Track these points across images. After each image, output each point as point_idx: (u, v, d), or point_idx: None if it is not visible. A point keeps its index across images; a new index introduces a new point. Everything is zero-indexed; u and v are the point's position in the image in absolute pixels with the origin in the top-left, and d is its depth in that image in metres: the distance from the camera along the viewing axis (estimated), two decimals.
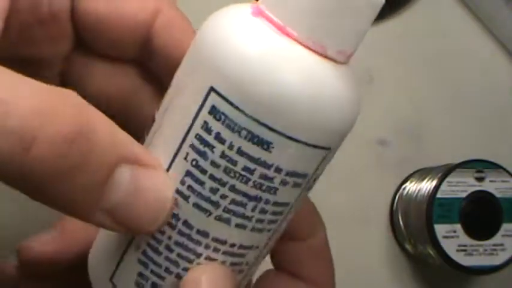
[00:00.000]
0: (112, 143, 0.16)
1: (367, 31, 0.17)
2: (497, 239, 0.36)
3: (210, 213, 0.17)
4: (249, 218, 0.18)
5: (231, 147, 0.17)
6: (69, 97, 0.16)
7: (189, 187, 0.17)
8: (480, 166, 0.36)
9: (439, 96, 0.41)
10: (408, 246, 0.39)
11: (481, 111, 0.42)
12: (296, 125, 0.16)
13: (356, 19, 0.17)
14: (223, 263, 0.18)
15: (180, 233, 0.18)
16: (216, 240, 0.18)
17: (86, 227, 0.23)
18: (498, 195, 0.36)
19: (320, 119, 0.17)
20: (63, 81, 0.23)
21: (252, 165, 0.17)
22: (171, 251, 0.18)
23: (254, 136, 0.16)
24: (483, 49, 0.42)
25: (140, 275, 0.19)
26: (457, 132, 0.41)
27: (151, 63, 0.23)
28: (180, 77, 0.18)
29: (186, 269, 0.18)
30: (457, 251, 0.35)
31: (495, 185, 0.36)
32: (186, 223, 0.18)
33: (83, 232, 0.23)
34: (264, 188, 0.17)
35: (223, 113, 0.16)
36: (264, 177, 0.17)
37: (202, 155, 0.17)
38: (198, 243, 0.18)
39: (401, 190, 0.40)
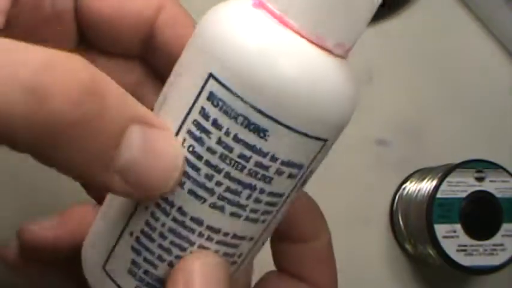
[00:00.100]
0: (123, 101, 0.16)
1: (366, 26, 0.18)
2: (497, 239, 0.36)
3: (205, 200, 0.17)
4: (243, 207, 0.18)
5: (227, 133, 0.17)
6: (75, 55, 0.15)
7: (185, 173, 0.17)
8: (480, 166, 0.36)
9: (439, 96, 0.41)
10: (408, 246, 0.39)
11: (481, 111, 0.42)
12: (292, 114, 0.16)
13: (356, 12, 0.17)
14: (216, 252, 0.18)
15: (174, 219, 0.18)
16: (210, 228, 0.18)
17: (87, 216, 0.23)
18: (498, 195, 0.36)
19: (317, 109, 0.17)
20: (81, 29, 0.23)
21: (247, 153, 0.17)
22: (165, 238, 0.18)
23: (250, 123, 0.16)
24: (483, 49, 0.42)
25: (133, 262, 0.19)
26: (457, 132, 0.41)
27: (155, 59, 0.23)
28: (179, 65, 0.18)
29: (178, 257, 0.18)
30: (457, 251, 0.35)
31: (495, 185, 0.36)
32: (180, 210, 0.18)
33: (84, 220, 0.23)
34: (259, 176, 0.17)
35: (220, 99, 0.16)
36: (259, 165, 0.17)
37: (199, 140, 0.17)
38: (192, 231, 0.18)
39: (401, 190, 0.40)
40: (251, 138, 0.17)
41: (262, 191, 0.18)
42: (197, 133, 0.17)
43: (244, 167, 0.17)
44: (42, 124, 0.14)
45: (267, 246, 0.23)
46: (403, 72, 0.41)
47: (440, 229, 0.35)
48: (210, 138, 0.17)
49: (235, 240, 0.18)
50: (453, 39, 0.42)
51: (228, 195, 0.17)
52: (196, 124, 0.17)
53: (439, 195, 0.36)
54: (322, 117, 0.17)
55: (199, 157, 0.17)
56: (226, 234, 0.18)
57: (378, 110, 0.40)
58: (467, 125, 0.41)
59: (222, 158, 0.17)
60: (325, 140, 0.18)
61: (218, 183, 0.17)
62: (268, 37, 0.16)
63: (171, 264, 0.18)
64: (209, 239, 0.18)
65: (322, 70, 0.17)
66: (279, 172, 0.17)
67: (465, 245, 0.35)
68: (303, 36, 0.17)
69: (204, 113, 0.17)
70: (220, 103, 0.16)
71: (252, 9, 0.17)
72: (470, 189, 0.36)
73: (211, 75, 0.16)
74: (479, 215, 0.36)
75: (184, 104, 0.17)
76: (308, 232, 0.22)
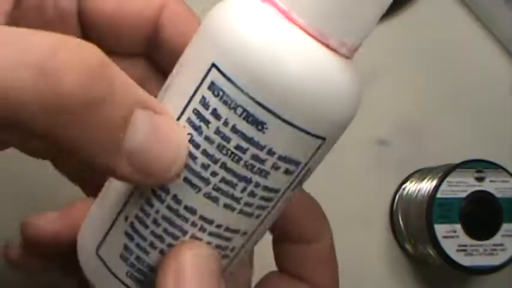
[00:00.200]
0: (129, 86, 0.16)
1: (374, 27, 0.18)
2: (497, 239, 0.36)
3: (200, 190, 0.18)
4: (237, 200, 0.18)
5: (226, 123, 0.17)
6: (84, 41, 0.15)
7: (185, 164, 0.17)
8: (480, 166, 0.36)
9: (438, 96, 0.41)
10: (408, 247, 0.39)
11: (481, 111, 0.42)
12: (292, 109, 0.17)
13: (362, 12, 0.17)
14: (208, 243, 0.18)
15: (168, 207, 0.18)
16: (203, 218, 0.18)
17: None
18: (498, 195, 0.36)
19: (317, 106, 0.17)
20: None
21: (244, 145, 0.17)
22: (158, 225, 0.18)
23: (249, 115, 0.17)
24: (483, 49, 0.42)
25: (126, 247, 0.19)
26: (457, 132, 0.41)
27: (159, 57, 0.23)
28: (183, 55, 0.19)
29: (171, 246, 0.18)
30: (457, 251, 0.35)
31: (495, 185, 0.36)
32: (175, 197, 0.18)
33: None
34: (255, 169, 0.17)
35: (221, 89, 0.17)
36: (255, 158, 0.17)
37: (198, 129, 0.17)
38: (185, 219, 0.18)
39: (401, 190, 0.40)
40: (249, 130, 0.17)
41: (257, 185, 0.18)
42: (196, 122, 0.17)
43: (240, 159, 0.17)
44: (53, 106, 0.14)
45: (268, 247, 0.23)
46: (403, 72, 0.41)
47: (440, 229, 0.35)
48: (208, 127, 0.17)
49: (228, 233, 0.18)
50: (453, 39, 0.42)
51: (222, 186, 0.17)
52: (196, 113, 0.17)
53: (439, 195, 0.36)
54: (323, 115, 0.17)
55: (196, 146, 0.17)
56: (219, 226, 0.18)
57: (378, 110, 0.40)
58: (467, 125, 0.41)
59: (219, 148, 0.17)
60: (323, 139, 0.18)
61: (214, 173, 0.17)
62: (274, 32, 0.17)
63: (162, 252, 0.18)
64: (202, 229, 0.18)
65: (326, 69, 0.17)
66: (275, 167, 0.17)
67: (465, 245, 0.35)
68: (308, 34, 0.17)
69: (204, 102, 0.17)
70: (220, 93, 0.17)
71: (260, 4, 0.17)
72: (470, 189, 0.36)
73: (213, 65, 0.17)
74: (479, 215, 0.36)
75: (186, 93, 0.17)
76: (310, 233, 0.22)
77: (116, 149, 0.16)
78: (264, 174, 0.17)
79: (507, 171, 0.37)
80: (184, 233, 0.18)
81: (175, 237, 0.18)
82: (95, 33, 0.22)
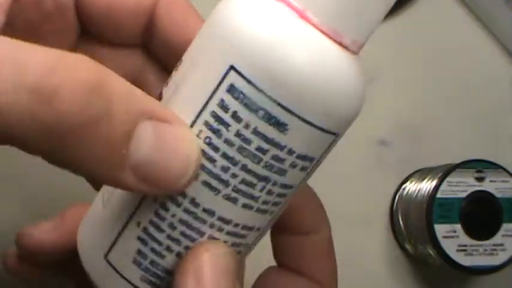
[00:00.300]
0: (132, 98, 0.16)
1: (379, 25, 0.18)
2: (497, 239, 0.36)
3: (219, 192, 0.17)
4: (255, 199, 0.18)
5: (247, 126, 0.17)
6: (82, 56, 0.15)
7: (202, 166, 0.17)
8: (480, 166, 0.36)
9: (439, 96, 0.41)
10: (408, 247, 0.39)
11: (481, 111, 0.42)
12: (311, 108, 0.17)
13: (372, 10, 0.17)
14: (225, 242, 0.18)
15: (186, 210, 0.18)
16: (221, 219, 0.18)
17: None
18: (498, 195, 0.36)
19: (333, 103, 0.17)
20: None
21: (265, 146, 0.17)
22: (174, 228, 0.18)
23: (271, 117, 0.17)
24: (483, 49, 0.42)
25: (139, 252, 0.18)
26: (457, 132, 0.41)
27: (154, 47, 0.23)
28: (194, 53, 0.18)
29: (188, 248, 0.18)
30: (457, 251, 0.35)
31: (495, 185, 0.36)
32: (193, 201, 0.18)
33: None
34: (274, 169, 0.17)
35: (241, 92, 0.16)
36: (275, 158, 0.17)
37: (216, 132, 0.17)
38: (203, 221, 0.18)
39: (401, 190, 0.40)
40: (270, 131, 0.17)
41: (275, 183, 0.18)
42: (215, 125, 0.17)
43: (261, 160, 0.17)
44: (51, 125, 0.14)
45: (263, 246, 0.23)
46: (403, 73, 0.41)
47: (440, 229, 0.35)
48: (228, 130, 0.17)
49: (245, 231, 0.19)
50: (453, 39, 0.42)
51: (242, 187, 0.17)
52: (214, 116, 0.17)
53: (439, 195, 0.36)
54: (338, 112, 0.17)
55: (215, 149, 0.17)
56: (236, 225, 0.18)
57: (378, 110, 0.40)
58: (467, 125, 0.41)
59: (240, 150, 0.17)
60: (336, 134, 0.18)
61: (233, 175, 0.17)
62: (291, 33, 0.17)
63: (179, 255, 0.18)
64: (220, 229, 0.18)
65: (341, 67, 0.17)
66: (293, 165, 0.18)
67: (465, 245, 0.35)
68: (322, 32, 0.17)
69: (223, 105, 0.17)
70: (241, 96, 0.17)
71: (274, 2, 0.17)
72: (470, 189, 0.36)
73: (232, 68, 0.16)
74: (479, 215, 0.36)
75: (201, 95, 0.17)
76: (309, 224, 0.22)
77: (119, 163, 0.16)
78: (283, 173, 0.18)
79: (507, 171, 0.37)
80: (202, 234, 0.18)
81: (193, 239, 0.18)
82: (92, 24, 0.22)
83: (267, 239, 0.22)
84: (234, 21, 0.17)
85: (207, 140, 0.17)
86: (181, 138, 0.17)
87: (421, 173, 0.39)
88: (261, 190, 0.18)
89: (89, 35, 0.23)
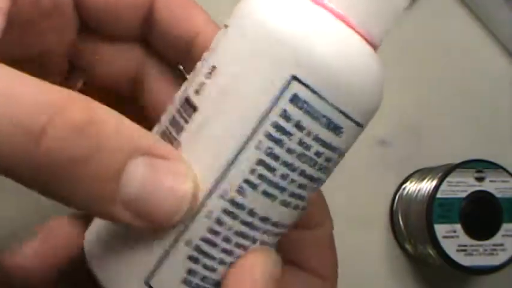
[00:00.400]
0: (122, 134, 0.16)
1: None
2: (497, 239, 0.36)
3: (276, 199, 0.17)
4: (304, 199, 0.18)
5: (308, 134, 0.17)
6: (73, 93, 0.16)
7: (260, 175, 0.17)
8: (480, 166, 0.36)
9: (438, 96, 0.41)
10: (408, 247, 0.39)
11: (481, 111, 0.42)
12: (359, 109, 0.17)
13: (395, 8, 0.18)
14: (270, 245, 0.19)
15: (243, 222, 0.17)
16: (274, 224, 0.18)
17: (65, 232, 0.22)
18: (498, 195, 0.36)
19: (373, 103, 0.18)
20: (71, 71, 0.23)
21: (322, 149, 0.17)
22: (229, 241, 0.18)
23: (331, 122, 0.17)
24: (483, 49, 0.42)
25: (189, 271, 0.18)
26: (457, 132, 0.41)
27: (154, 39, 0.23)
28: (233, 65, 0.17)
29: (239, 257, 0.18)
30: (457, 251, 0.35)
31: (495, 185, 0.36)
32: (250, 212, 0.17)
33: (63, 240, 0.22)
34: (324, 170, 0.18)
35: (305, 101, 0.17)
36: (328, 160, 0.18)
37: (279, 142, 0.17)
38: (258, 229, 0.18)
39: (401, 190, 0.40)
40: (329, 136, 0.17)
41: (321, 183, 0.18)
42: (277, 135, 0.17)
43: (316, 163, 0.17)
44: (41, 163, 0.15)
45: None
46: (403, 72, 0.41)
47: (440, 229, 0.35)
48: (290, 139, 0.17)
49: (285, 230, 0.19)
50: (453, 39, 0.42)
51: (298, 191, 0.18)
52: (276, 126, 0.17)
53: (439, 195, 0.36)
54: (373, 109, 0.18)
55: (276, 158, 0.17)
56: (283, 226, 0.18)
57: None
58: (467, 125, 0.41)
59: (299, 157, 0.17)
60: (363, 128, 0.19)
61: (291, 181, 0.17)
62: (345, 40, 0.17)
63: (230, 265, 0.18)
64: (270, 233, 0.18)
65: (375, 67, 0.18)
66: (336, 163, 0.18)
67: (465, 245, 0.35)
68: (361, 35, 0.17)
69: (285, 115, 0.17)
70: (304, 105, 0.17)
71: (316, 7, 0.17)
72: (470, 189, 0.36)
73: (294, 78, 0.16)
74: (479, 215, 0.36)
75: (258, 108, 0.17)
76: (311, 219, 0.22)
77: (110, 199, 0.16)
78: (329, 172, 0.18)
79: (507, 171, 0.37)
80: (255, 241, 0.18)
81: (246, 248, 0.18)
82: (91, 19, 0.22)
83: None
84: (287, 31, 0.17)
85: (269, 151, 0.17)
86: (175, 174, 0.17)
87: (421, 173, 0.39)
88: (312, 191, 0.18)
89: (89, 30, 0.22)
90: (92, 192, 0.16)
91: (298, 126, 0.17)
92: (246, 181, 0.17)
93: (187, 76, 0.20)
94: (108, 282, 0.18)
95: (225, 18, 0.19)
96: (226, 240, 0.18)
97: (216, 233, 0.17)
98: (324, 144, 0.17)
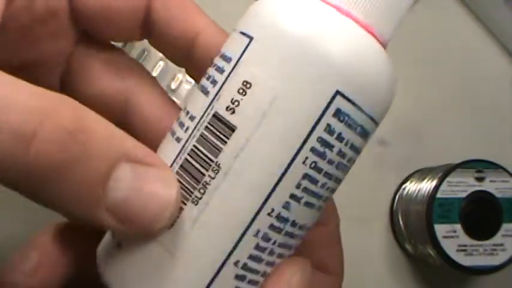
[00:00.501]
0: (110, 140, 0.16)
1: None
2: (497, 239, 0.36)
3: (314, 207, 0.18)
4: (327, 201, 0.18)
5: (346, 143, 0.17)
6: (65, 98, 0.16)
7: (305, 189, 0.17)
8: (480, 166, 0.36)
9: (439, 96, 0.41)
10: (408, 246, 0.39)
11: (481, 111, 0.42)
12: (383, 112, 0.18)
13: (403, 8, 0.18)
14: (297, 247, 0.19)
15: (286, 233, 0.18)
16: (307, 229, 0.18)
17: (49, 249, 0.21)
18: (498, 195, 0.36)
19: (391, 102, 0.19)
20: (65, 82, 0.23)
21: (353, 155, 0.18)
22: (273, 254, 0.18)
23: (364, 130, 0.18)
24: (483, 49, 0.42)
25: None
26: (457, 132, 0.41)
27: (154, 40, 0.23)
28: (271, 81, 0.17)
29: (277, 265, 0.18)
30: (457, 251, 0.35)
31: (495, 185, 0.36)
32: (293, 223, 0.18)
33: (64, 249, 0.22)
34: (346, 170, 0.18)
35: (347, 114, 0.17)
36: (352, 161, 0.18)
37: (322, 155, 0.17)
38: (297, 237, 0.18)
39: (401, 190, 0.40)
40: (360, 142, 0.18)
41: (340, 183, 0.19)
42: (321, 149, 0.17)
43: (346, 167, 0.18)
44: (29, 167, 0.15)
45: None
46: (403, 72, 0.41)
47: (440, 229, 0.35)
48: (332, 151, 0.17)
49: (307, 232, 0.19)
50: (453, 39, 0.42)
51: (329, 195, 0.18)
52: (321, 141, 0.17)
53: (439, 195, 0.36)
54: (389, 107, 0.19)
55: (319, 170, 0.17)
56: (308, 229, 0.19)
57: None
58: (467, 125, 0.41)
59: (337, 165, 0.18)
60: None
61: (328, 188, 0.18)
62: (374, 51, 0.17)
63: (269, 275, 0.18)
64: (302, 238, 0.19)
65: (391, 70, 0.18)
66: (353, 162, 0.19)
67: (465, 245, 0.35)
68: (378, 40, 0.18)
69: (329, 130, 0.17)
70: (346, 118, 0.17)
71: (341, 17, 0.17)
72: (470, 189, 0.36)
73: (338, 93, 0.17)
74: (479, 215, 0.36)
75: (304, 125, 0.17)
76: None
77: (95, 204, 0.16)
78: (347, 172, 0.19)
79: (507, 171, 0.37)
80: (291, 248, 0.18)
81: (284, 257, 0.18)
82: (90, 26, 0.22)
83: None
84: (330, 50, 0.17)
85: (313, 165, 0.17)
86: (160, 181, 0.17)
87: (421, 173, 0.39)
88: (332, 192, 0.18)
89: (89, 36, 0.22)
90: (78, 196, 0.16)
91: (339, 138, 0.17)
92: (292, 196, 0.17)
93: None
94: None
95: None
96: (271, 253, 0.18)
97: (262, 249, 0.18)
98: (356, 150, 0.18)
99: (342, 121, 0.17)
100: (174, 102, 0.23)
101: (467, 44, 0.42)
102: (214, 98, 0.18)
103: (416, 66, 0.41)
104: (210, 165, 0.17)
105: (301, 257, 0.19)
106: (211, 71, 0.18)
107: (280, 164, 0.17)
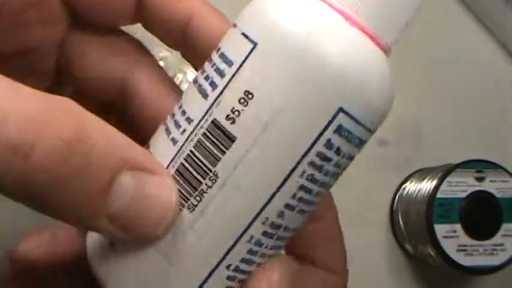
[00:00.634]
0: (112, 148, 0.16)
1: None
2: (497, 239, 0.36)
3: (305, 213, 0.18)
4: (316, 205, 0.18)
5: (344, 155, 0.17)
6: (65, 104, 0.15)
7: (300, 199, 0.17)
8: (480, 166, 0.36)
9: (439, 96, 0.41)
10: (408, 246, 0.39)
11: (481, 111, 0.42)
12: (380, 122, 0.18)
13: (408, 14, 0.19)
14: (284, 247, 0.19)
15: (278, 238, 0.18)
16: (294, 231, 0.18)
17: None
18: (498, 195, 0.36)
19: (388, 112, 0.18)
20: (61, 67, 0.23)
21: (347, 163, 0.18)
22: (264, 256, 0.18)
23: (362, 141, 0.18)
24: (483, 49, 0.42)
25: None
26: (457, 132, 0.41)
27: (147, 25, 0.22)
28: (274, 94, 0.17)
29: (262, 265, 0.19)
30: (457, 251, 0.35)
31: (495, 185, 0.36)
32: (285, 228, 0.18)
33: (75, 232, 0.23)
34: (339, 176, 0.18)
35: (348, 130, 0.17)
36: (345, 168, 0.18)
37: (319, 169, 0.17)
38: (286, 239, 0.18)
39: (401, 190, 0.40)
40: (355, 152, 0.18)
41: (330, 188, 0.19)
42: (319, 163, 0.17)
43: (339, 174, 0.18)
44: (28, 179, 0.14)
45: None
46: (403, 73, 0.41)
47: (440, 229, 0.35)
48: (329, 164, 0.17)
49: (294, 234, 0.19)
50: (453, 39, 0.42)
51: (320, 200, 0.18)
52: (320, 155, 0.17)
53: (439, 195, 0.36)
54: (385, 116, 0.18)
55: (315, 181, 0.17)
56: (295, 230, 0.19)
57: None
58: (467, 125, 0.41)
59: (333, 175, 0.18)
60: None
61: (320, 195, 0.18)
62: (377, 64, 0.17)
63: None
64: (288, 240, 0.19)
65: (392, 77, 0.18)
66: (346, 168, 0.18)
67: (465, 245, 0.35)
68: (381, 47, 0.18)
69: (329, 144, 0.17)
70: (346, 133, 0.17)
71: (349, 29, 0.17)
72: (470, 189, 0.36)
73: (341, 110, 0.17)
74: (479, 215, 0.36)
75: (304, 140, 0.17)
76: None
77: (97, 213, 0.16)
78: (337, 178, 0.18)
79: (507, 171, 0.37)
80: (280, 248, 0.19)
81: (271, 257, 0.19)
82: (82, 11, 0.22)
83: None
84: (334, 64, 0.16)
85: (310, 177, 0.17)
86: (161, 188, 0.17)
87: (421, 173, 0.39)
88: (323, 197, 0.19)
89: (84, 21, 0.22)
90: (79, 207, 0.16)
91: (338, 151, 0.17)
92: (287, 205, 0.17)
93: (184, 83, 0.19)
94: None
95: (223, 11, 0.19)
96: (262, 255, 0.18)
97: (254, 252, 0.18)
98: (351, 158, 0.18)
99: (342, 136, 0.17)
100: (173, 81, 0.23)
101: (467, 44, 0.42)
102: (213, 103, 0.17)
103: (416, 67, 0.41)
104: (208, 174, 0.17)
105: (285, 255, 0.19)
106: (209, 69, 0.18)
107: (278, 177, 0.17)
